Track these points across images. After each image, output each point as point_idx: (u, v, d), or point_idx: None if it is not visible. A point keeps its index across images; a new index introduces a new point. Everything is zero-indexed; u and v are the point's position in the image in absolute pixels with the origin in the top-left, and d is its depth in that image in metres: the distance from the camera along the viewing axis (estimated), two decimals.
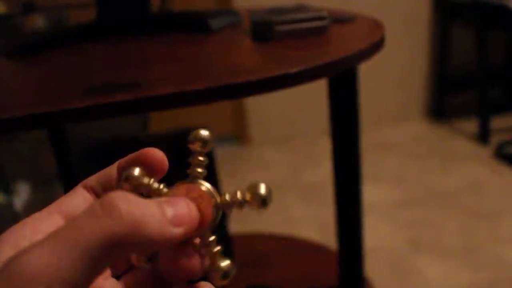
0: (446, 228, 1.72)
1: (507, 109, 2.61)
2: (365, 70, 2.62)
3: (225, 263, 0.27)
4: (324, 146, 2.41)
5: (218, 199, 0.27)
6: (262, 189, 0.27)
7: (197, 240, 0.28)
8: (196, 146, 0.28)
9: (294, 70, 0.52)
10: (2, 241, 0.24)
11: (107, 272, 0.29)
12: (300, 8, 0.76)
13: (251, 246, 1.38)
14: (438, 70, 2.61)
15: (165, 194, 0.28)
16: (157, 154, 0.29)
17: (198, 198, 0.27)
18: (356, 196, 0.97)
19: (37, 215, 0.27)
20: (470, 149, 2.30)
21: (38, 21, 1.27)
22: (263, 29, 0.72)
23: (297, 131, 2.65)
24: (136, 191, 0.28)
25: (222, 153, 2.46)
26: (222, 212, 0.28)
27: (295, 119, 2.64)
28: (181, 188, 0.28)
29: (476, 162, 2.17)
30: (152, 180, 0.28)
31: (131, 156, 0.29)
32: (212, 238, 0.28)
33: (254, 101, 2.60)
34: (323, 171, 2.21)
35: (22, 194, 1.86)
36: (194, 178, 0.28)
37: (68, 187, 0.64)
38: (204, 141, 0.28)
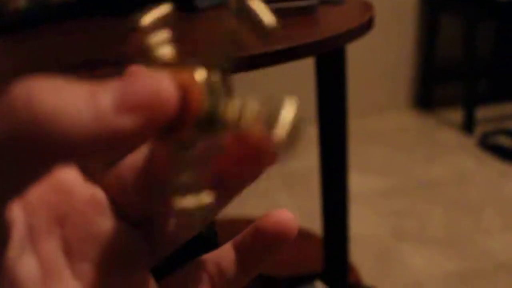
0: (430, 218, 1.73)
1: (492, 100, 2.63)
2: (352, 59, 2.62)
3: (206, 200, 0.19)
4: (310, 134, 2.40)
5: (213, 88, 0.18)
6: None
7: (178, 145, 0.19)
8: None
9: (282, 47, 0.51)
10: None
11: (105, 208, 0.22)
12: None
13: (235, 232, 1.38)
14: (425, 61, 2.61)
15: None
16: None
17: (186, 83, 0.17)
18: (343, 183, 0.97)
19: None
20: (455, 139, 2.31)
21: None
22: None
23: None
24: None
25: None
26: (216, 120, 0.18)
27: None
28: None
29: (461, 152, 2.18)
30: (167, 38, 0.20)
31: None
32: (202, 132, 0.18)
33: (240, 88, 2.58)
34: (308, 159, 2.20)
35: None
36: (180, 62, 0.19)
37: None
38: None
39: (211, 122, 0.18)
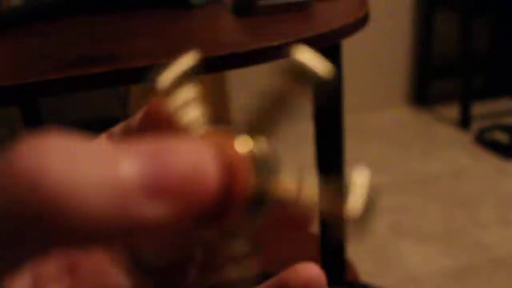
0: (426, 213, 1.73)
1: (488, 96, 2.62)
2: (347, 56, 2.60)
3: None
4: (306, 131, 2.40)
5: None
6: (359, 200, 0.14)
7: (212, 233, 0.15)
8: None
9: (276, 43, 0.51)
10: None
11: (121, 259, 0.20)
12: None
13: None
14: (421, 57, 2.60)
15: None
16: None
17: (231, 159, 0.13)
18: (339, 179, 0.96)
19: None
20: (451, 135, 2.31)
21: None
22: (246, 4, 0.70)
23: None
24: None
25: None
26: (266, 199, 0.14)
27: None
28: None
29: (457, 147, 2.18)
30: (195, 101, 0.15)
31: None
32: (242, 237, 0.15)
33: (236, 85, 2.58)
34: (304, 155, 2.20)
35: None
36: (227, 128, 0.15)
37: None
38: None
39: (260, 204, 0.14)
